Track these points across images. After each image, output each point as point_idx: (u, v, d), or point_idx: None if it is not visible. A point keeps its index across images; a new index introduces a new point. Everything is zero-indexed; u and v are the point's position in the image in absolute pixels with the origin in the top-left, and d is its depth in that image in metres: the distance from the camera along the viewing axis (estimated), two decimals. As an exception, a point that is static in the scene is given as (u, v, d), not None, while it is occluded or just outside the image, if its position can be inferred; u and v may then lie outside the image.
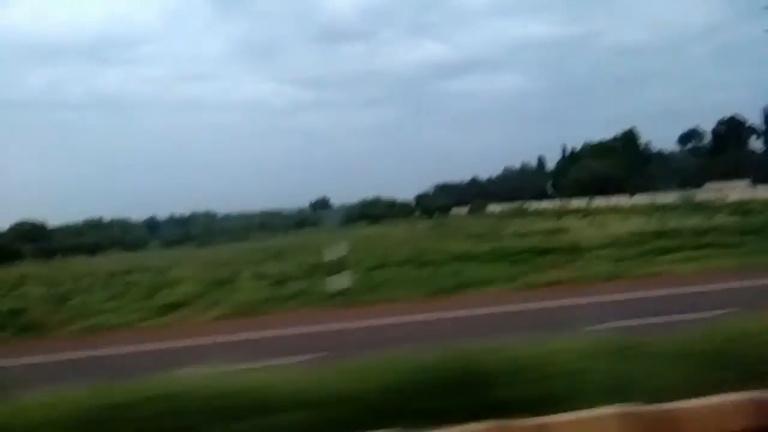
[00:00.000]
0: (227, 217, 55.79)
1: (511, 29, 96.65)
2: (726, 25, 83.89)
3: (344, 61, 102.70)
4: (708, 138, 62.16)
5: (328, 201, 58.65)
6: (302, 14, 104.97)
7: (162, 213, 58.65)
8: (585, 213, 33.66)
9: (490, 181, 62.95)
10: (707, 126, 62.74)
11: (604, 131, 77.55)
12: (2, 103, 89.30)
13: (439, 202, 56.28)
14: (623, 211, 32.48)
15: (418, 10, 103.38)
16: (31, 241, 36.44)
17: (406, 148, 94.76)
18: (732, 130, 58.95)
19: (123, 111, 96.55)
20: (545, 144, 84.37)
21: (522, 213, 42.71)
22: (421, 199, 59.15)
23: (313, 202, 57.98)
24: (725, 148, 57.40)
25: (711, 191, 42.66)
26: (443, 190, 61.23)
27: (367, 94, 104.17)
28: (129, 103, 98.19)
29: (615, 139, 56.96)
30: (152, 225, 53.80)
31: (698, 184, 46.90)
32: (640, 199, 43.57)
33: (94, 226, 46.30)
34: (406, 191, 61.63)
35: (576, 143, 61.19)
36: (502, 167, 65.70)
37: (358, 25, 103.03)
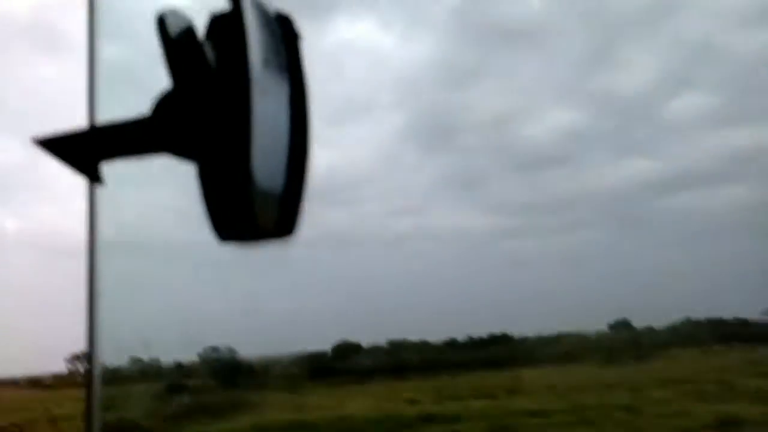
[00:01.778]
0: (524, 340, 53.81)
1: (732, 139, 79.53)
2: None
3: (546, 187, 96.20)
4: None
5: (629, 322, 53.50)
6: (502, 145, 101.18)
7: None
8: None
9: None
10: None
11: None
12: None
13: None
14: None
15: (622, 130, 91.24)
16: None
17: (618, 271, 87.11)
18: None
19: (345, 246, 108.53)
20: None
21: None
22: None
23: (612, 323, 53.46)
24: None
25: None
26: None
27: (572, 218, 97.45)
28: (350, 238, 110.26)
29: None
30: (454, 346, 55.46)
31: None
32: None
33: (397, 346, 49.52)
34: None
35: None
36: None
37: (560, 149, 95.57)
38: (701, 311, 49.03)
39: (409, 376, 32.05)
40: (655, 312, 69.17)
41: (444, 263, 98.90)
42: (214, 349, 37.67)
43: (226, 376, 35.41)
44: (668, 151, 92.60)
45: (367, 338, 52.44)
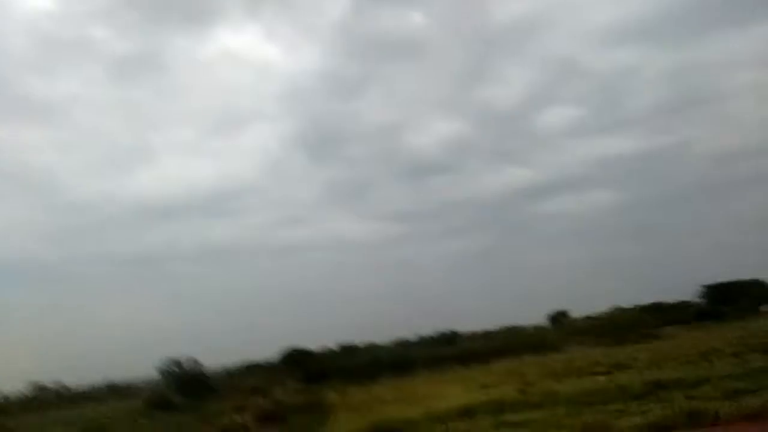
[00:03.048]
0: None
1: (597, 147, 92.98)
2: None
3: (431, 194, 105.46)
4: None
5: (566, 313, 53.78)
6: (389, 154, 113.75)
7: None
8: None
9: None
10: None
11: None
12: (126, 258, 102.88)
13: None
14: None
15: (499, 139, 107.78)
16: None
17: (506, 272, 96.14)
18: None
19: (229, 259, 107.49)
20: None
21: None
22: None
23: (551, 315, 53.21)
24: None
25: None
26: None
27: (456, 223, 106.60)
28: (235, 250, 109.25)
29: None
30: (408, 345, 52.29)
31: None
32: None
33: (350, 350, 46.81)
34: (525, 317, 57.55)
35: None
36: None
37: (443, 158, 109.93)
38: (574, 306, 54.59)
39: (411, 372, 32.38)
40: (519, 309, 75.75)
41: (332, 272, 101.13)
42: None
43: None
44: (540, 159, 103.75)
45: (261, 351, 51.71)
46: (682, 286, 48.57)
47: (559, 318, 50.17)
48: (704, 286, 44.08)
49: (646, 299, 49.05)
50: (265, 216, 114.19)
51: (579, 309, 51.05)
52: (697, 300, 44.09)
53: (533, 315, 55.35)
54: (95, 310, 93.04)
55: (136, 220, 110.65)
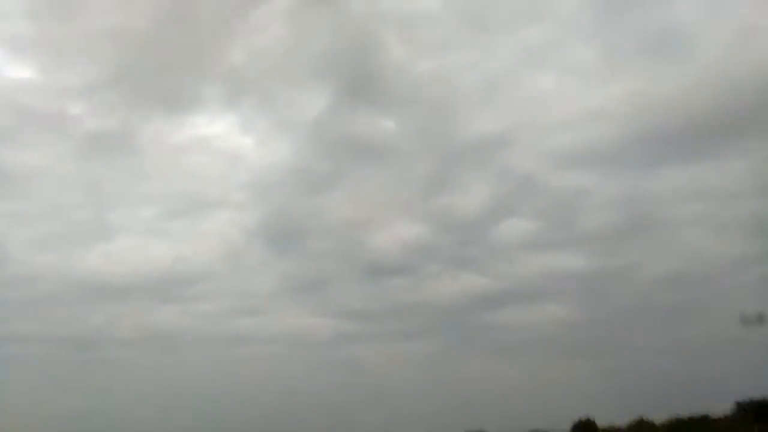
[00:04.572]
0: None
1: (550, 261, 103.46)
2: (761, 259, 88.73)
3: (388, 295, 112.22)
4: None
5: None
6: (350, 252, 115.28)
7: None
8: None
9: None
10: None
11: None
12: (67, 340, 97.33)
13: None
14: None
15: (458, 247, 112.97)
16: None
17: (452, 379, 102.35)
18: None
19: (175, 346, 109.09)
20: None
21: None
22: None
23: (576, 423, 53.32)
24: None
25: None
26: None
27: (411, 326, 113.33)
28: (182, 338, 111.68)
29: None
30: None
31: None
32: None
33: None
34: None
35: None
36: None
37: (403, 260, 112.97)
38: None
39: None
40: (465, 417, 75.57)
41: (281, 366, 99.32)
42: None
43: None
44: (496, 269, 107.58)
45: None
46: (634, 404, 50.49)
47: (585, 427, 49.67)
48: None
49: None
50: (217, 304, 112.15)
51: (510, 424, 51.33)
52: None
53: (481, 423, 55.23)
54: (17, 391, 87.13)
55: (80, 299, 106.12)
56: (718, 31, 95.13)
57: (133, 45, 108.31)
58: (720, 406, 46.05)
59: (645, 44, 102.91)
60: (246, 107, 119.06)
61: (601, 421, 50.14)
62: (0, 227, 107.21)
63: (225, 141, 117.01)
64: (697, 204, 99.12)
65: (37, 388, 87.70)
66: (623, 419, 49.11)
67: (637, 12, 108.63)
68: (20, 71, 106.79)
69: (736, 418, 42.16)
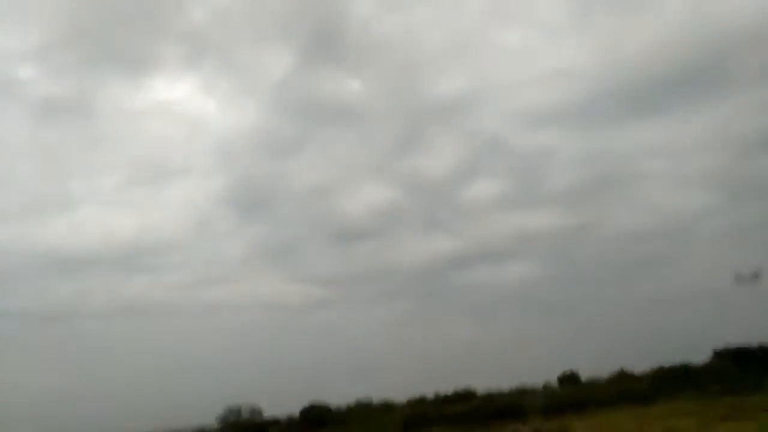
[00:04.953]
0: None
1: (518, 221, 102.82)
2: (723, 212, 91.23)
3: (359, 259, 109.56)
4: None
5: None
6: (319, 217, 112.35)
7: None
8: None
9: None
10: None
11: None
12: (32, 314, 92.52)
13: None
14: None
15: (427, 208, 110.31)
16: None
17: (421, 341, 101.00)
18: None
19: (146, 318, 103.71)
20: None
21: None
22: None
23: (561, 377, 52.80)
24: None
25: None
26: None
27: (382, 289, 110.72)
28: (153, 309, 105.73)
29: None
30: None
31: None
32: None
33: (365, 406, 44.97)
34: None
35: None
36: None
37: (372, 223, 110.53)
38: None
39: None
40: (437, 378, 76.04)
41: (254, 333, 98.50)
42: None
43: None
44: (465, 230, 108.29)
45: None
46: (601, 360, 52.63)
47: (569, 380, 50.68)
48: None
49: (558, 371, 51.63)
50: (186, 274, 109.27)
51: (493, 382, 52.45)
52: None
53: (465, 382, 56.08)
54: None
55: (45, 272, 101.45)
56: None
57: (86, 3, 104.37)
58: (697, 356, 47.43)
59: (612, 1, 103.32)
60: (207, 69, 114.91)
61: (582, 374, 51.24)
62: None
63: (187, 105, 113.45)
64: (662, 159, 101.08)
65: (2, 364, 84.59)
66: (604, 372, 50.23)
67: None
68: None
69: (715, 365, 43.44)
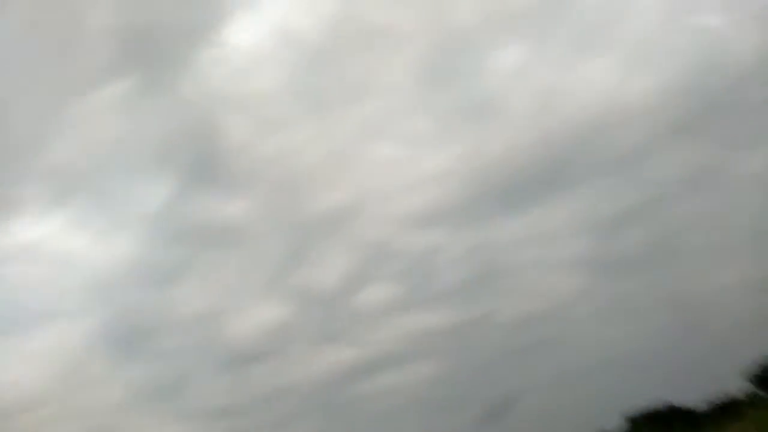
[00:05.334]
0: None
1: (414, 322, 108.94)
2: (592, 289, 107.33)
3: (255, 383, 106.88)
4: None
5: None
6: (208, 346, 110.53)
7: None
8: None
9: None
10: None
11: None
12: None
13: None
14: None
15: (322, 321, 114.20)
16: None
17: None
18: None
19: None
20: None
21: None
22: None
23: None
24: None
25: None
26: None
27: (281, 412, 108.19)
28: None
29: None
30: None
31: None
32: None
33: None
34: None
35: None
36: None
37: (266, 344, 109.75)
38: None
39: None
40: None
41: None
42: None
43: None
44: (362, 338, 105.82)
45: None
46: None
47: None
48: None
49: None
50: (60, 430, 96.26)
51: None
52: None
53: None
54: None
55: None
56: (523, 97, 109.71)
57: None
58: (609, 423, 49.03)
59: (468, 112, 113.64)
60: (78, 204, 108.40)
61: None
62: None
63: (54, 243, 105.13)
64: (535, 248, 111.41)
65: None
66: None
67: (456, 83, 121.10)
68: None
69: (629, 429, 45.34)
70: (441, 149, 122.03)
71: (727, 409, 40.73)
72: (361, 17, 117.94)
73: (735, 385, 43.93)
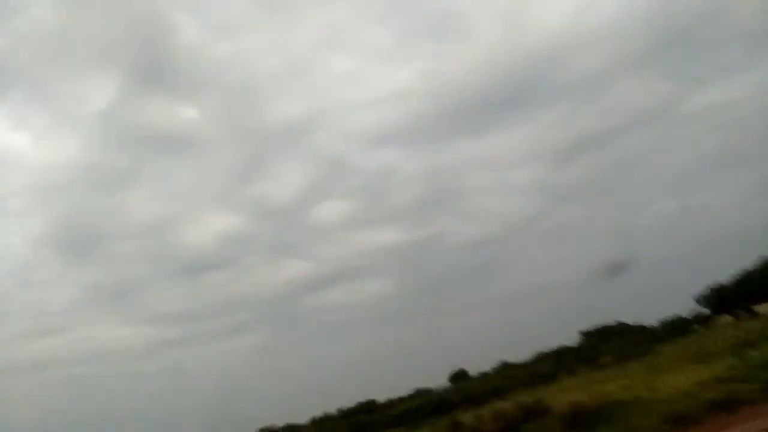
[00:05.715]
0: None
1: (368, 239, 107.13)
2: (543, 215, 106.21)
3: (208, 292, 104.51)
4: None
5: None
6: (161, 253, 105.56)
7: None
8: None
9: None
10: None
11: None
12: None
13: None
14: None
15: (278, 234, 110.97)
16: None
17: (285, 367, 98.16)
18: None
19: None
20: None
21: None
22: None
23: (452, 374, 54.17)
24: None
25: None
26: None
27: (236, 321, 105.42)
28: None
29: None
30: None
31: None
32: None
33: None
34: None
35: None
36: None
37: (220, 253, 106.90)
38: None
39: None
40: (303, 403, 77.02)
41: (94, 386, 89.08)
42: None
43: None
44: (317, 252, 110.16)
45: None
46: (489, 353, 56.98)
47: (460, 377, 52.78)
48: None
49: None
50: (6, 327, 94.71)
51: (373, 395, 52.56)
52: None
53: (316, 408, 56.69)
54: None
55: None
56: (486, 18, 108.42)
57: None
58: (567, 339, 52.59)
59: (431, 29, 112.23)
60: (15, 100, 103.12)
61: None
62: None
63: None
64: (489, 171, 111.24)
65: None
66: (487, 366, 53.31)
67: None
68: None
69: (586, 344, 48.94)
70: (402, 66, 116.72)
71: (677, 327, 44.95)
72: None
73: (685, 307, 48.36)
